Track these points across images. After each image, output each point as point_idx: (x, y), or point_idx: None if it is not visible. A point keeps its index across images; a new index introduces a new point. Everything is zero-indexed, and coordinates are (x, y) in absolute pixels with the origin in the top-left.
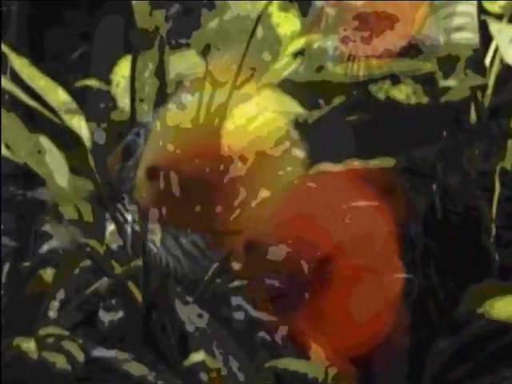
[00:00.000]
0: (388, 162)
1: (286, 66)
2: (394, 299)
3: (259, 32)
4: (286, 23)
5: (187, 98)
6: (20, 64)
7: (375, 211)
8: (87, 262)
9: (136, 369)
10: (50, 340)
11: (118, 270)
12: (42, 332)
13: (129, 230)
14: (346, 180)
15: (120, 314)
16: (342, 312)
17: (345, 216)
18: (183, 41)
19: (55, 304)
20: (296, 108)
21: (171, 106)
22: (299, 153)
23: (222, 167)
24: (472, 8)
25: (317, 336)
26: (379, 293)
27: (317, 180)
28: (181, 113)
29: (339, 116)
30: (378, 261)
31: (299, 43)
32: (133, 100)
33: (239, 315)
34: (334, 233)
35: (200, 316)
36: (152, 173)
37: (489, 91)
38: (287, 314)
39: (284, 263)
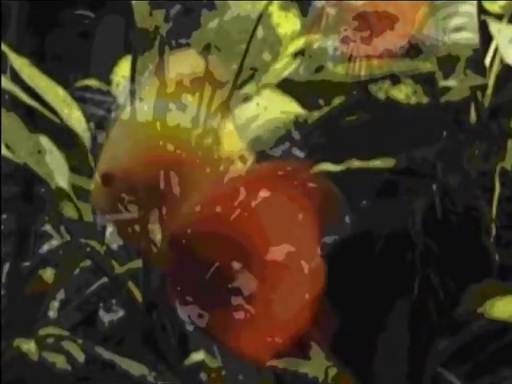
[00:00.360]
0: (388, 162)
1: (286, 66)
2: (316, 291)
3: (259, 32)
4: (286, 23)
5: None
6: (20, 64)
7: (295, 203)
8: (87, 262)
9: (136, 369)
10: (50, 340)
11: (118, 269)
12: (42, 332)
13: (129, 229)
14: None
15: (120, 313)
16: (264, 304)
17: (264, 210)
18: (183, 41)
19: (55, 304)
20: (296, 108)
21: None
22: (299, 153)
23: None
24: (472, 8)
25: (240, 330)
26: (301, 285)
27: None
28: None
29: (339, 116)
30: (298, 251)
31: (299, 43)
32: (133, 100)
33: (239, 315)
34: (251, 228)
35: (200, 316)
36: (108, 179)
37: (489, 91)
38: (215, 309)
39: (209, 258)
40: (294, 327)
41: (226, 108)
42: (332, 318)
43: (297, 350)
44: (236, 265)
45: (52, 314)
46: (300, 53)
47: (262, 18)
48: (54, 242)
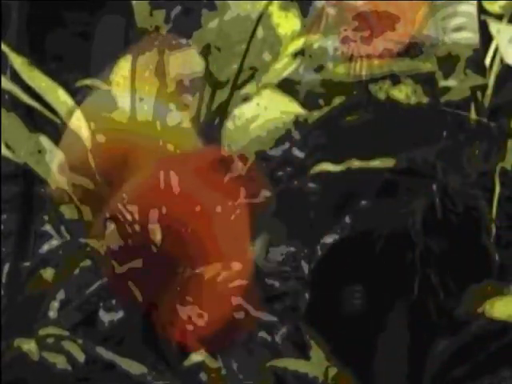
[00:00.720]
0: (388, 162)
1: (286, 66)
2: (244, 283)
3: (259, 32)
4: (286, 23)
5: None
6: (20, 64)
7: (226, 196)
8: (87, 262)
9: (136, 369)
10: (50, 340)
11: (118, 270)
12: (42, 332)
13: (129, 230)
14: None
15: (120, 313)
16: (192, 293)
17: (196, 201)
18: (183, 41)
19: (55, 304)
20: (296, 108)
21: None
22: (299, 153)
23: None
24: (472, 8)
25: (168, 316)
26: (229, 276)
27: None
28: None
29: (339, 116)
30: (228, 245)
31: (299, 43)
32: (133, 100)
33: (239, 315)
34: (182, 216)
35: (200, 316)
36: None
37: (489, 91)
38: (148, 291)
39: (137, 238)
40: (219, 314)
41: (225, 108)
42: (257, 309)
43: (223, 337)
44: (169, 252)
45: (52, 314)
46: (300, 53)
47: (262, 18)
48: (54, 242)
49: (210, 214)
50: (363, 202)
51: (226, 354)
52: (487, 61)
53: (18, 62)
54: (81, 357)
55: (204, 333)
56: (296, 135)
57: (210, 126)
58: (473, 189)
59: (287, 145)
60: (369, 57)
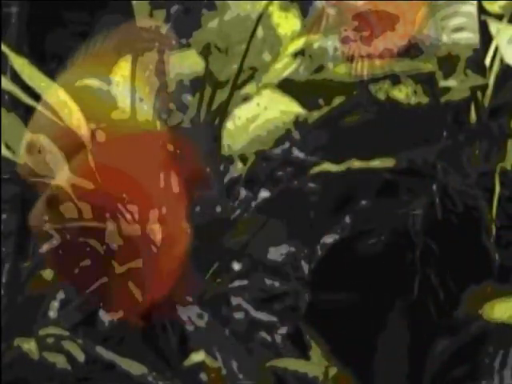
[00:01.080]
0: (388, 162)
1: (286, 66)
2: (179, 262)
3: (259, 32)
4: (286, 23)
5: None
6: (20, 64)
7: (162, 173)
8: (87, 262)
9: (136, 369)
10: (50, 340)
11: (118, 269)
12: (42, 332)
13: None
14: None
15: (120, 314)
16: (129, 272)
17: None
18: (183, 41)
19: (55, 304)
20: (296, 108)
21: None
22: (299, 153)
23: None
24: (472, 8)
25: (109, 292)
26: (165, 255)
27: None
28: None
29: (339, 116)
30: (164, 224)
31: (299, 43)
32: (133, 100)
33: (239, 315)
34: (118, 189)
35: (200, 316)
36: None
37: (489, 91)
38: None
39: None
40: (157, 287)
41: (225, 108)
42: (196, 280)
43: (163, 310)
44: (109, 225)
45: (52, 314)
46: (300, 53)
47: (262, 18)
48: (54, 242)
49: (148, 192)
50: (363, 202)
51: (226, 354)
52: (487, 61)
53: (18, 62)
54: (81, 357)
55: (144, 307)
56: (296, 135)
57: (210, 126)
58: (473, 189)
59: (287, 145)
60: (369, 57)
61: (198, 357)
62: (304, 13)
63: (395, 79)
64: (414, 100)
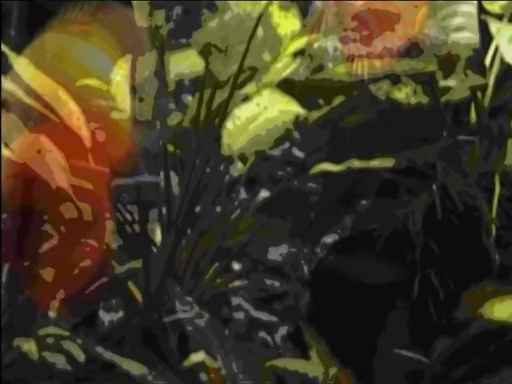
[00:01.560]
0: (388, 162)
1: (285, 66)
2: (103, 241)
3: (259, 32)
4: (286, 23)
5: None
6: (20, 64)
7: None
8: (87, 262)
9: (136, 369)
10: (50, 340)
11: (118, 270)
12: (42, 332)
13: (129, 230)
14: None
15: (120, 313)
16: (55, 256)
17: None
18: (183, 41)
19: (55, 304)
20: (296, 108)
21: None
22: (299, 153)
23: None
24: (472, 8)
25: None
26: (90, 234)
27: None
28: None
29: (339, 116)
30: (89, 205)
31: (299, 43)
32: (133, 100)
33: (239, 315)
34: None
35: (200, 316)
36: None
37: (489, 91)
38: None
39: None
40: (79, 276)
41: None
42: (108, 268)
43: (86, 297)
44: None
45: (52, 313)
46: (300, 53)
47: (262, 18)
48: (54, 242)
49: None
50: (363, 202)
51: (226, 354)
52: (487, 61)
53: (18, 62)
54: (81, 357)
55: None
56: (296, 135)
57: (210, 126)
58: (473, 189)
59: (287, 145)
60: (369, 57)
61: (197, 357)
62: (304, 13)
63: (395, 79)
64: (413, 100)
